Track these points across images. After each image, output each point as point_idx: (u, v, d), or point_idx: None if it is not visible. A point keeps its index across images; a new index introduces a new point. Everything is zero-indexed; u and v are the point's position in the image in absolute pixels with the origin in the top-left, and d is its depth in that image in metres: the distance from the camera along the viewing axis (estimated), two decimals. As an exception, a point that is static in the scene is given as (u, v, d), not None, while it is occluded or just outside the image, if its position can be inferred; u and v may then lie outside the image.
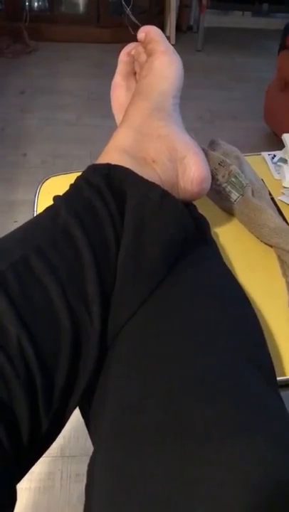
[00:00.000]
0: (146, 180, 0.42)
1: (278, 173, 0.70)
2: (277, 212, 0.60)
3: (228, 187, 0.58)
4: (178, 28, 3.21)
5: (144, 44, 0.52)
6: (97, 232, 0.39)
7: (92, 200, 0.40)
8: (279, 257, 0.55)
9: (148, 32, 0.51)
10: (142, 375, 0.35)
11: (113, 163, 0.43)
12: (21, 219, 1.72)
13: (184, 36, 3.27)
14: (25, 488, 1.01)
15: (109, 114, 0.58)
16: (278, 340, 0.48)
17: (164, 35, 0.51)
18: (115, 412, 0.34)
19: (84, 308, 0.36)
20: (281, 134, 0.73)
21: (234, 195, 0.58)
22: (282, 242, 0.54)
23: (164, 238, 0.41)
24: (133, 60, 0.55)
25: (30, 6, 3.02)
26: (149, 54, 0.51)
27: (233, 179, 0.58)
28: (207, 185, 0.49)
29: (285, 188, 0.67)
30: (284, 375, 0.45)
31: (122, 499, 0.29)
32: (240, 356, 0.36)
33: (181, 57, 0.51)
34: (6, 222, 1.66)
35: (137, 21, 2.89)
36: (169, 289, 0.40)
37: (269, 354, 0.40)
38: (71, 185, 0.44)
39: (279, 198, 0.65)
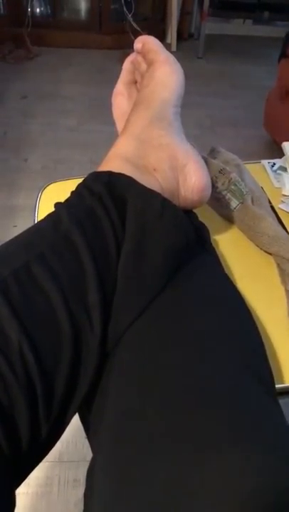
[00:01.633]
0: (148, 189, 0.43)
1: (278, 182, 0.70)
2: (276, 220, 0.60)
3: (228, 195, 0.59)
4: (179, 36, 3.22)
5: (143, 54, 0.52)
6: (98, 239, 0.40)
7: (93, 208, 0.41)
8: (278, 265, 0.56)
9: (145, 42, 0.52)
10: (142, 383, 0.35)
11: (114, 171, 0.43)
12: (21, 224, 1.72)
13: (184, 43, 3.29)
14: (23, 493, 1.01)
15: (110, 120, 0.58)
16: (277, 348, 0.48)
17: (161, 45, 0.51)
18: (115, 418, 0.34)
19: (85, 314, 0.36)
20: (281, 142, 0.73)
21: (234, 203, 0.59)
22: (281, 250, 0.54)
23: (165, 246, 0.41)
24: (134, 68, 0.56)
25: (33, 11, 3.03)
26: (150, 63, 0.51)
27: (233, 187, 0.59)
28: (207, 193, 0.49)
29: (284, 196, 0.67)
30: (283, 382, 0.45)
31: (121, 505, 0.29)
32: (240, 365, 0.36)
33: (182, 64, 0.51)
34: (6, 226, 1.67)
35: (138, 28, 2.91)
36: (169, 296, 0.41)
37: (268, 363, 0.40)
38: (72, 192, 0.44)
39: (279, 206, 0.65)
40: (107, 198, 0.41)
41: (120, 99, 0.56)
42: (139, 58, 0.54)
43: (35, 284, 0.35)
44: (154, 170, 0.46)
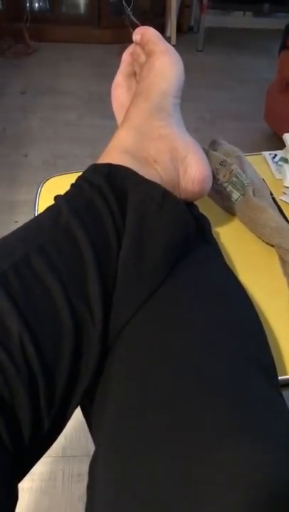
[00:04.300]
0: (148, 180, 0.42)
1: (279, 173, 0.70)
2: (278, 211, 0.60)
3: (229, 187, 0.58)
4: (179, 29, 3.20)
5: (142, 45, 0.52)
6: (98, 231, 0.39)
7: (93, 200, 0.40)
8: (280, 256, 0.55)
9: (144, 33, 0.51)
10: (143, 376, 0.35)
11: (114, 163, 0.43)
12: (22, 219, 1.70)
13: (184, 36, 3.27)
14: (27, 487, 1.01)
15: (110, 115, 0.58)
16: (280, 340, 0.48)
17: (160, 35, 0.51)
18: (116, 413, 0.34)
19: (85, 307, 0.36)
20: (282, 134, 0.73)
21: (235, 195, 0.58)
22: (283, 241, 0.54)
23: (166, 238, 0.41)
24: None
25: (31, 6, 3.01)
26: (149, 55, 0.51)
27: (234, 179, 0.58)
28: (208, 184, 0.49)
29: (286, 187, 0.67)
30: (285, 374, 0.45)
31: (123, 498, 0.29)
32: (242, 357, 0.36)
33: (182, 57, 0.51)
34: (6, 222, 1.66)
35: (137, 22, 2.89)
36: (169, 289, 0.40)
37: (271, 354, 0.40)
38: (72, 184, 0.44)
39: (280, 197, 0.65)
40: (107, 189, 0.41)
41: (120, 91, 0.56)
42: (138, 49, 0.53)
43: (35, 276, 0.35)
44: (154, 161, 0.45)
